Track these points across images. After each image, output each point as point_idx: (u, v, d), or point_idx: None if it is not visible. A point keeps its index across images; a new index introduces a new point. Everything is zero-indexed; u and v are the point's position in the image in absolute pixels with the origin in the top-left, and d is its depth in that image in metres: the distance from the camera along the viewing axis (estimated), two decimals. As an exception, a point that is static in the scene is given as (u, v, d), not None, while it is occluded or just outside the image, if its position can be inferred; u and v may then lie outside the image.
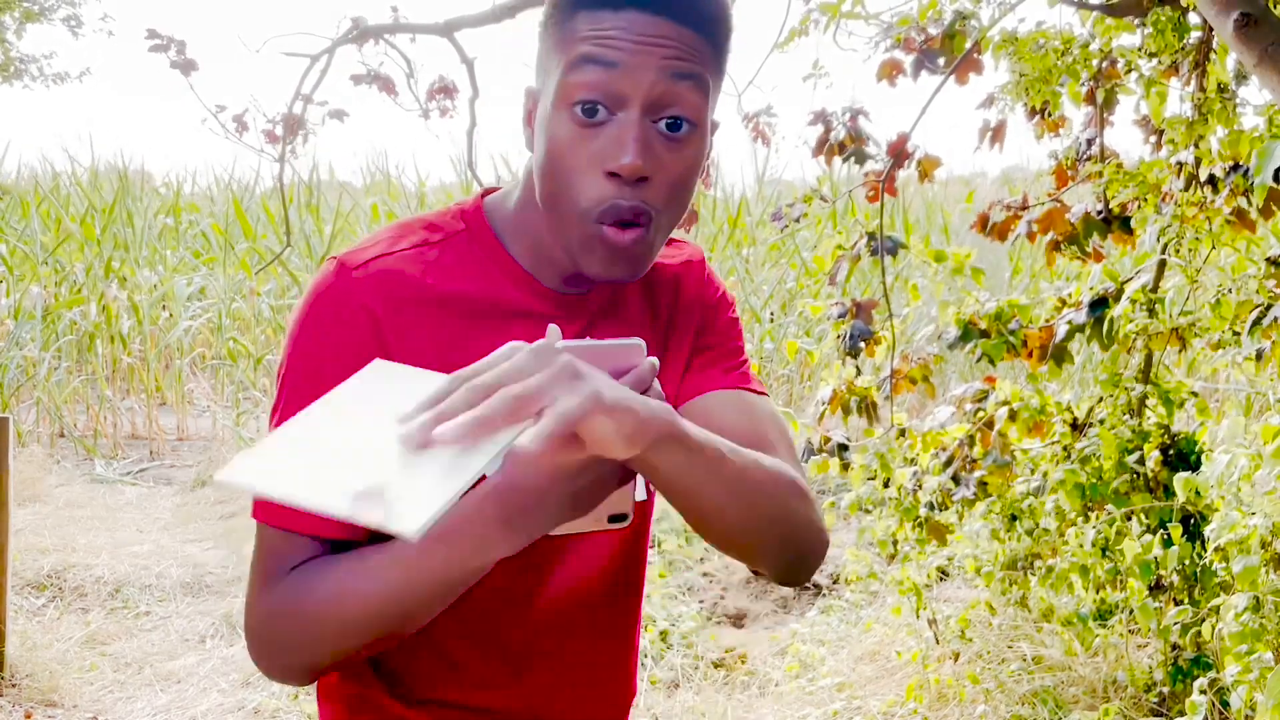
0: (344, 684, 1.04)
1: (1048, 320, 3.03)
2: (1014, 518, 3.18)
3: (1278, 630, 2.35)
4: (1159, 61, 2.93)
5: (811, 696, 3.31)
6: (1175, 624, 2.74)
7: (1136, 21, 2.91)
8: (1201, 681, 2.46)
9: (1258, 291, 2.62)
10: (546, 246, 0.97)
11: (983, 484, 3.01)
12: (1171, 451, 3.02)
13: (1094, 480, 2.96)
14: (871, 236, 2.94)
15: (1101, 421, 3.08)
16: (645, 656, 3.59)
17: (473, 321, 0.96)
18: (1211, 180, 2.83)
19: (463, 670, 1.02)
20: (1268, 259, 2.71)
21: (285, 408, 0.94)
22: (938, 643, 3.29)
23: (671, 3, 0.88)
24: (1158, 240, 2.82)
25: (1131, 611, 2.97)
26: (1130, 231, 2.98)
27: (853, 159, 3.06)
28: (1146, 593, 2.89)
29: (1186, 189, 2.89)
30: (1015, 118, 3.17)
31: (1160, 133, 3.04)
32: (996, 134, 3.16)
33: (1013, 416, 3.07)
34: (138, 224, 9.20)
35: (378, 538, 0.88)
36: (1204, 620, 2.67)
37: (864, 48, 3.02)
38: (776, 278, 8.04)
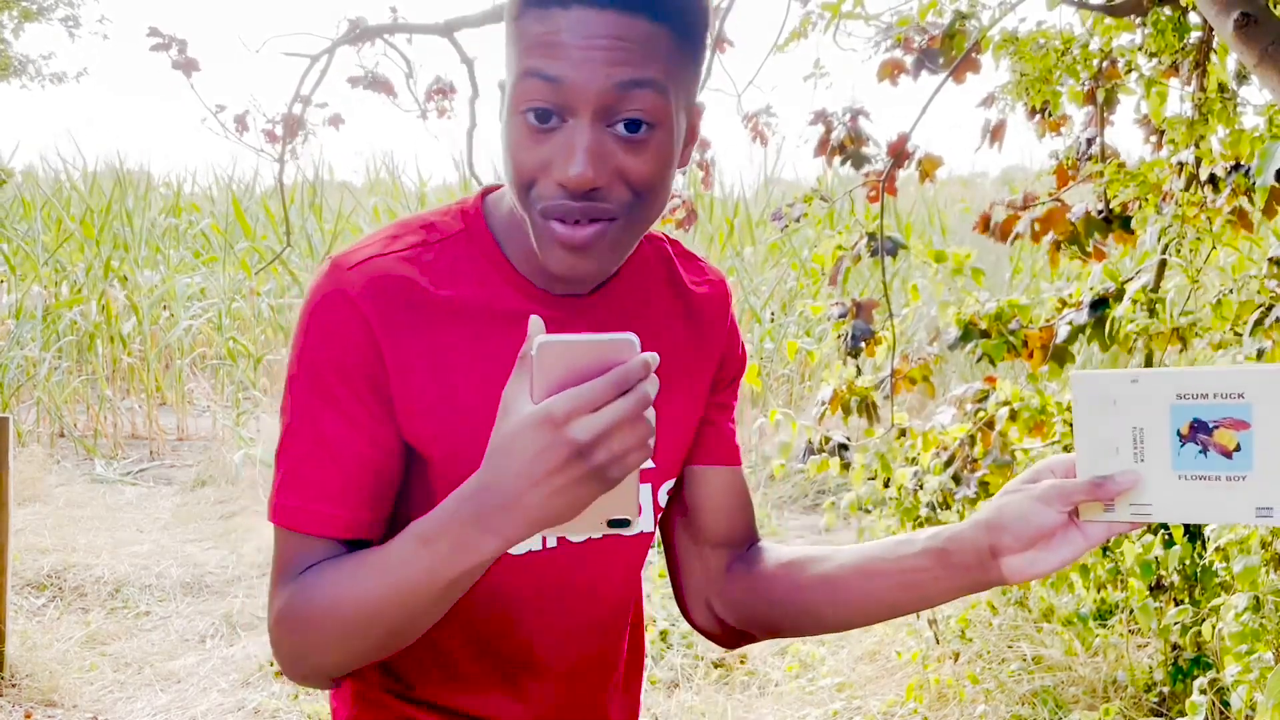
0: (350, 680, 1.04)
1: (1048, 320, 3.03)
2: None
3: (1278, 630, 2.35)
4: (1159, 61, 2.93)
5: (811, 696, 3.30)
6: (1175, 624, 2.74)
7: (1136, 21, 2.91)
8: (1201, 681, 2.46)
9: (1259, 292, 2.62)
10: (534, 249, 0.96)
11: (984, 484, 3.01)
12: (1172, 451, 3.01)
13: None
14: (871, 236, 2.94)
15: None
16: (645, 656, 3.59)
17: (466, 324, 0.95)
18: (1212, 180, 2.83)
19: (464, 676, 1.02)
20: (1270, 259, 2.71)
21: (292, 409, 0.94)
22: (938, 642, 3.29)
23: None
24: (1158, 240, 2.82)
25: (1131, 611, 2.97)
26: (1131, 231, 2.98)
27: (851, 161, 3.05)
28: (1147, 593, 2.89)
29: (1187, 189, 2.89)
30: (1015, 117, 3.18)
31: (1160, 133, 3.03)
32: (996, 133, 3.17)
33: (1013, 416, 3.07)
34: (138, 224, 9.20)
35: (384, 538, 0.88)
36: (1204, 620, 2.67)
37: (864, 48, 3.02)
38: (776, 277, 8.04)
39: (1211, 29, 2.66)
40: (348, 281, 0.92)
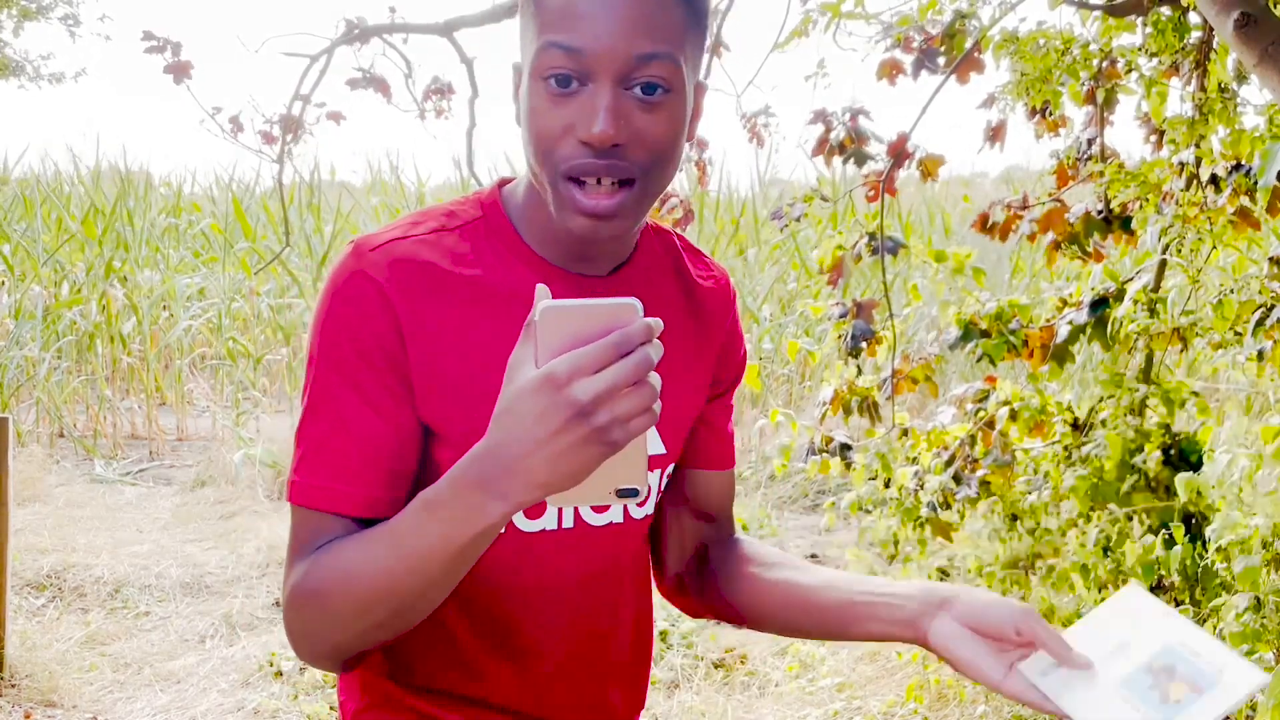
0: (357, 671, 1.05)
1: (1048, 320, 3.03)
2: (1014, 518, 3.18)
3: (1278, 630, 2.35)
4: (1159, 61, 2.93)
5: (811, 696, 3.30)
6: (1176, 624, 2.73)
7: (1137, 21, 2.91)
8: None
9: (1260, 292, 2.62)
10: (552, 227, 0.98)
11: (984, 483, 3.01)
12: (1173, 452, 3.02)
13: (1095, 480, 2.96)
14: (872, 236, 2.94)
15: (1103, 422, 3.07)
16: (652, 650, 3.59)
17: (487, 306, 0.96)
18: (1213, 180, 2.83)
19: (469, 662, 1.02)
20: (1270, 258, 2.71)
21: (313, 388, 0.94)
22: (938, 643, 3.29)
23: None
24: (1159, 240, 2.82)
25: (1132, 611, 2.96)
26: (1131, 231, 2.98)
27: (852, 160, 3.05)
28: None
29: (1187, 189, 2.89)
30: (1016, 117, 3.18)
31: (1161, 133, 3.03)
32: (996, 133, 3.17)
33: (1014, 416, 3.07)
34: (138, 224, 9.20)
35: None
36: (1205, 620, 2.67)
37: (864, 47, 3.02)
38: (776, 276, 8.05)
39: (1211, 29, 2.66)
40: (370, 263, 0.94)
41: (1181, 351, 3.03)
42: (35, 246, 8.52)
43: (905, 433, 3.18)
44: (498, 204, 1.01)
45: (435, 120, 4.31)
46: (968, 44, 2.82)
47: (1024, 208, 3.05)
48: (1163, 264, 2.95)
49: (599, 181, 0.89)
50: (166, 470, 6.21)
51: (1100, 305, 2.93)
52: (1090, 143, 3.10)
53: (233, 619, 3.97)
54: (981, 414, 3.12)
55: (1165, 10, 2.79)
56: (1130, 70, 2.99)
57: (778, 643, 3.75)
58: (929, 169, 3.05)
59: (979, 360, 3.05)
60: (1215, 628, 2.57)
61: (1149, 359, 3.11)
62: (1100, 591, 3.13)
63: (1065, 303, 3.06)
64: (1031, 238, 3.00)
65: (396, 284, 0.93)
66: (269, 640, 3.76)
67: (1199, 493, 2.76)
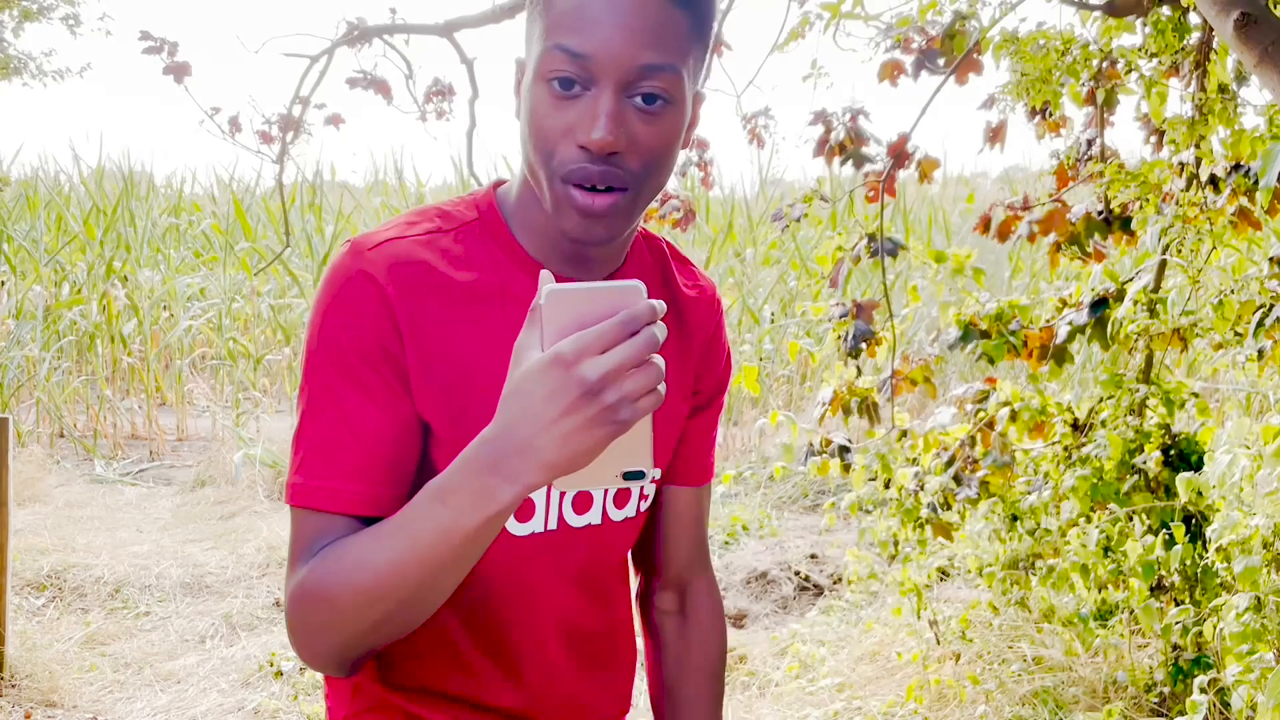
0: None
1: (1048, 321, 3.03)
2: (1015, 518, 3.18)
3: (1279, 630, 2.35)
4: (1159, 62, 2.93)
5: (812, 697, 3.30)
6: (1176, 624, 2.74)
7: (1137, 22, 2.91)
8: (1202, 681, 2.46)
9: (1260, 292, 2.62)
10: (546, 229, 0.98)
11: (984, 484, 3.00)
12: (1173, 452, 3.01)
13: (1095, 480, 2.96)
14: (871, 237, 2.94)
15: (1103, 422, 3.07)
16: (645, 656, 3.59)
17: (482, 306, 0.97)
18: (1213, 180, 2.83)
19: (461, 662, 1.02)
20: (1270, 258, 2.71)
21: (312, 387, 0.94)
22: (938, 643, 3.29)
23: None
24: (1159, 240, 2.82)
25: (1132, 611, 2.97)
26: (1131, 232, 2.98)
27: (852, 161, 3.05)
28: (1148, 593, 2.88)
29: (1188, 189, 2.89)
30: (1016, 118, 3.17)
31: (1161, 133, 3.03)
32: (997, 133, 3.17)
33: (1014, 417, 3.06)
34: (139, 224, 9.20)
35: None
36: (1205, 620, 2.67)
37: (864, 48, 3.02)
38: (775, 277, 8.04)
39: (1211, 29, 2.66)
40: (368, 262, 0.94)
41: (1181, 352, 3.03)
42: (36, 247, 8.52)
43: (905, 433, 3.18)
44: (493, 206, 1.02)
45: (436, 121, 4.31)
46: (968, 45, 2.82)
47: (1024, 208, 3.05)
48: (1163, 264, 2.95)
49: (594, 188, 0.91)
50: (167, 470, 6.21)
51: (1100, 305, 2.93)
52: (1090, 143, 3.10)
53: (233, 619, 3.98)
54: (981, 414, 3.12)
55: (1165, 10, 2.79)
56: (1130, 71, 2.99)
57: (778, 643, 3.75)
58: (925, 172, 3.05)
59: (978, 360, 3.05)
60: (1215, 627, 2.57)
61: (1149, 359, 3.11)
62: (1100, 591, 3.13)
63: (1065, 303, 3.06)
64: (1032, 238, 3.00)
65: (394, 283, 0.94)
66: (269, 640, 3.76)
67: (1199, 493, 2.76)
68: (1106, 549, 2.97)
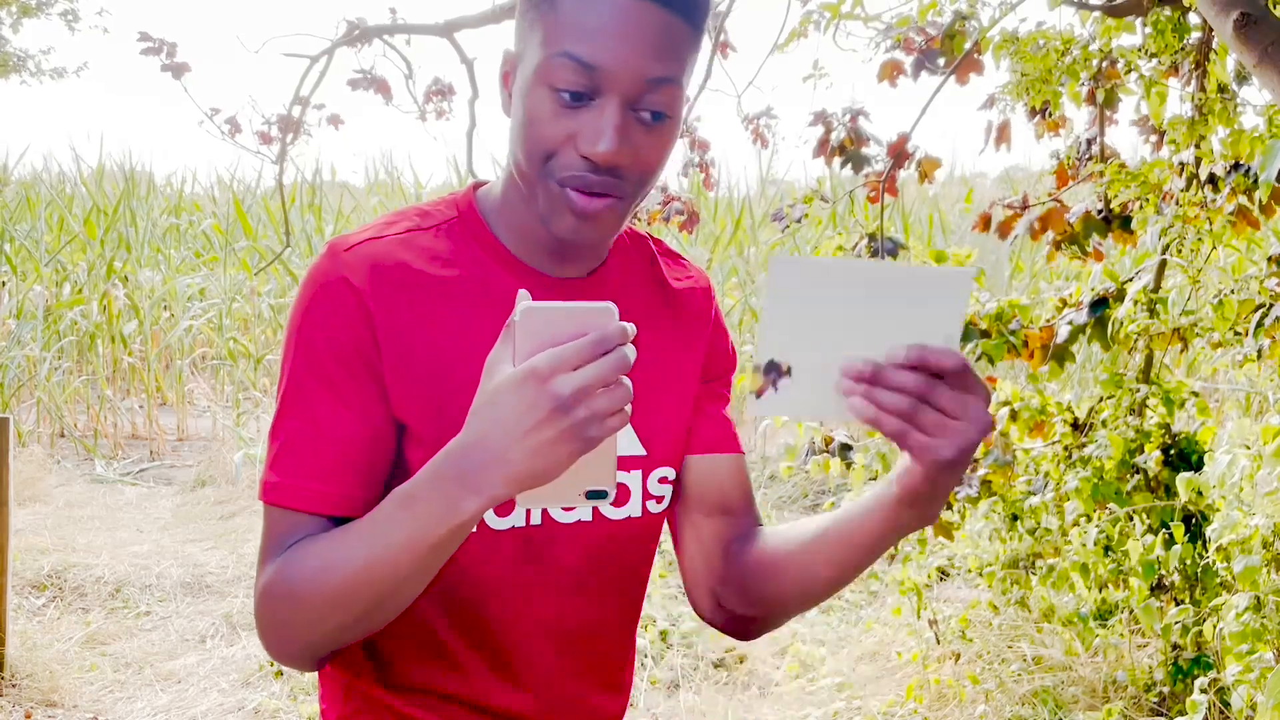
0: (336, 670, 1.05)
1: (1048, 320, 3.03)
2: (1015, 517, 3.18)
3: (1278, 630, 2.35)
4: (1159, 62, 2.93)
5: (811, 696, 3.31)
6: (1176, 624, 2.74)
7: (1137, 22, 2.91)
8: (1202, 681, 2.46)
9: (1259, 292, 2.62)
10: (530, 227, 0.98)
11: (985, 483, 3.01)
12: (1173, 451, 3.02)
13: (1095, 480, 2.97)
14: (871, 237, 2.94)
15: (1103, 422, 3.08)
16: (645, 656, 3.59)
17: (461, 305, 0.97)
18: (1212, 180, 2.83)
19: (452, 661, 1.02)
20: (1269, 258, 2.71)
21: (287, 387, 0.95)
22: (938, 643, 3.29)
23: None
24: (1159, 240, 2.82)
25: (1132, 611, 2.97)
26: (1130, 231, 2.98)
27: (851, 162, 3.05)
28: (1148, 592, 2.89)
29: (1188, 189, 2.89)
30: (1016, 117, 3.17)
31: (1161, 133, 3.03)
32: (1002, 134, 3.16)
33: (1014, 416, 3.07)
34: (140, 224, 9.20)
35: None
36: (1205, 620, 2.67)
37: (864, 48, 3.02)
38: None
39: (1211, 29, 2.66)
40: (344, 263, 0.95)
41: (1181, 351, 3.03)
42: (37, 246, 8.52)
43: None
44: (473, 205, 1.02)
45: (436, 121, 4.32)
46: (967, 45, 2.82)
47: (1024, 208, 3.05)
48: (1163, 264, 2.95)
49: (593, 193, 0.91)
50: (167, 470, 6.21)
51: (1100, 305, 2.93)
52: (1090, 143, 3.10)
53: (233, 619, 3.98)
54: (981, 414, 3.11)
55: (1165, 11, 2.79)
56: (1130, 71, 2.99)
57: (778, 643, 3.75)
58: (926, 171, 3.05)
59: (978, 360, 3.05)
60: (1215, 627, 2.57)
61: (1149, 359, 3.11)
62: (1100, 591, 3.13)
63: (1065, 303, 3.06)
64: (1033, 235, 3.00)
65: (372, 285, 0.94)
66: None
67: (1199, 492, 2.76)
68: (1107, 548, 2.97)
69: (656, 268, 1.11)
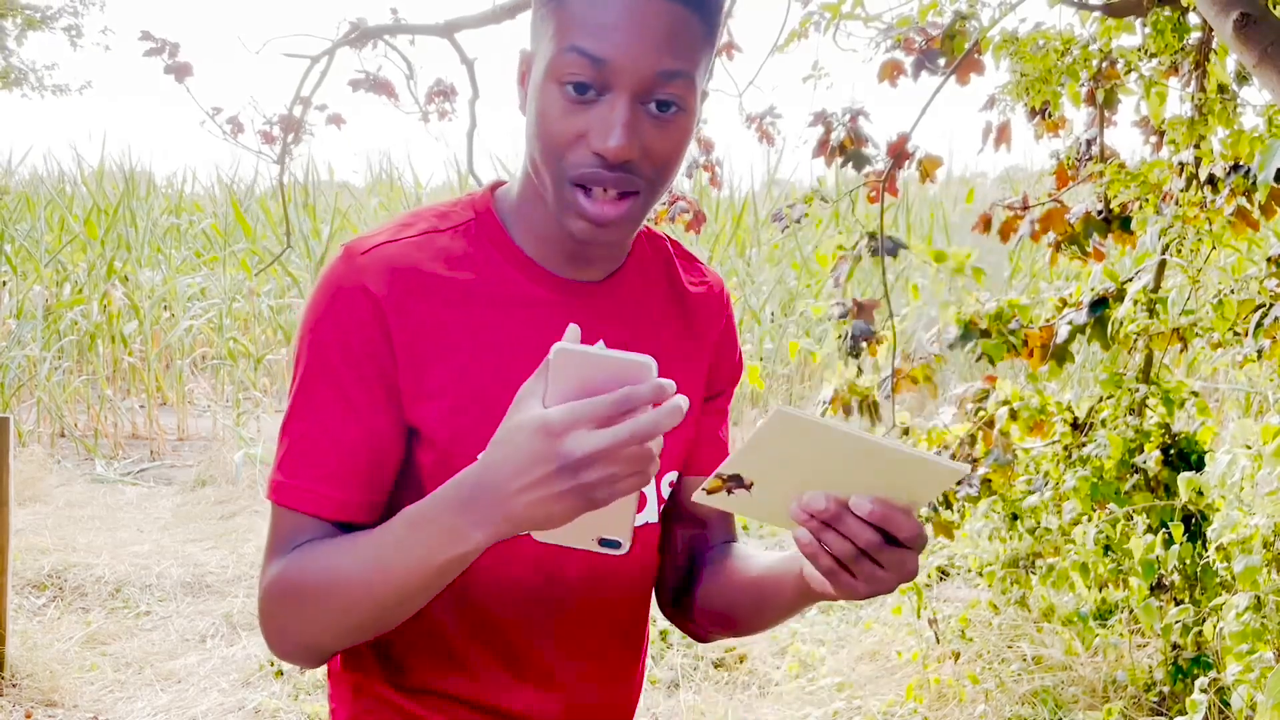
0: (346, 670, 1.05)
1: (1048, 320, 3.03)
2: (1015, 517, 3.19)
3: (1278, 630, 2.35)
4: (1159, 62, 2.93)
5: (811, 696, 3.31)
6: (1176, 623, 2.74)
7: (1137, 22, 2.91)
8: (1202, 681, 2.46)
9: (1259, 292, 2.62)
10: (547, 229, 0.98)
11: (985, 482, 3.01)
12: (1172, 451, 3.02)
13: (1096, 479, 2.97)
14: (872, 237, 2.94)
15: (1103, 422, 3.08)
16: (646, 651, 3.59)
17: (476, 309, 0.96)
18: (1212, 180, 2.83)
19: (462, 664, 1.02)
20: (1269, 258, 2.71)
21: (298, 390, 0.95)
22: (938, 642, 3.29)
23: None
24: (1159, 240, 2.83)
25: (1132, 611, 2.97)
26: (1130, 231, 2.99)
27: (851, 162, 3.05)
28: (1148, 592, 2.89)
29: (1187, 189, 2.89)
30: (1016, 118, 3.17)
31: (1160, 133, 3.04)
32: (1002, 134, 3.16)
33: (1014, 416, 3.07)
34: (140, 224, 9.21)
35: (380, 522, 0.89)
36: (1205, 620, 2.67)
37: (864, 48, 3.02)
38: (776, 277, 8.05)
39: (1211, 29, 2.66)
40: (361, 267, 0.94)
41: (1181, 351, 3.03)
42: (37, 246, 8.53)
43: (906, 432, 3.18)
44: (490, 207, 1.01)
45: (438, 121, 4.32)
46: (967, 45, 2.83)
47: (1024, 208, 3.06)
48: (1162, 264, 2.95)
49: (605, 190, 0.90)
50: (167, 470, 6.22)
51: (1100, 305, 2.93)
52: (1090, 143, 3.10)
53: (233, 619, 3.98)
54: (981, 413, 3.12)
55: (1165, 11, 2.79)
56: (1130, 71, 2.99)
57: (778, 643, 3.76)
58: (926, 171, 3.05)
59: (978, 360, 3.05)
60: (1215, 627, 2.58)
61: (1149, 359, 3.12)
62: (1100, 591, 3.13)
63: (1065, 303, 3.06)
64: (1034, 237, 3.01)
65: (387, 289, 0.93)
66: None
67: (1199, 492, 2.76)
68: (1106, 548, 2.97)
69: (673, 270, 1.10)
